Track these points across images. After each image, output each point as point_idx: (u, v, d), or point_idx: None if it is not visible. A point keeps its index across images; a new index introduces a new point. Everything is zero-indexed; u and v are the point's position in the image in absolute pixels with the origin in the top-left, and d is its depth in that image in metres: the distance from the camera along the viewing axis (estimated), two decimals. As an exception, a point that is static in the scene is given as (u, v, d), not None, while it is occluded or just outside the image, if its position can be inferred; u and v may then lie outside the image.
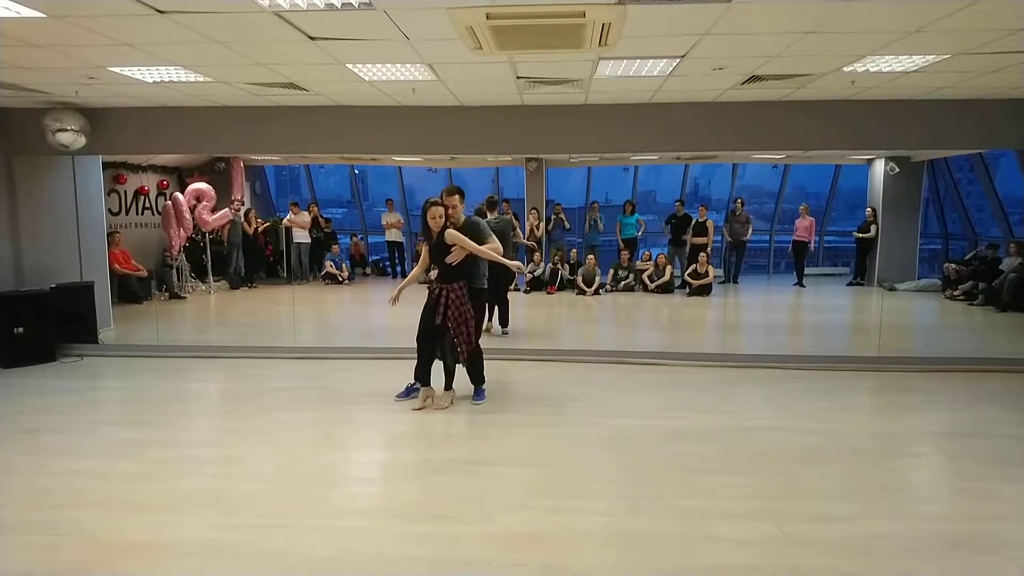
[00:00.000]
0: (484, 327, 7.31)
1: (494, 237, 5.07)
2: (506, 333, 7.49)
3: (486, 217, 7.19)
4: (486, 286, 5.31)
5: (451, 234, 4.74)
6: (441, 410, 4.91)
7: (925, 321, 9.54)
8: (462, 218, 5.00)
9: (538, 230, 11.82)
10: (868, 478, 3.79)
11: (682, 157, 12.10)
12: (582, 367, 6.24)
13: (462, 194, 5.00)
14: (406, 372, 5.22)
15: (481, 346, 5.14)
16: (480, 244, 4.86)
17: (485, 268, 5.25)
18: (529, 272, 11.30)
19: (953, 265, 10.79)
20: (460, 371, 5.09)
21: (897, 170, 11.48)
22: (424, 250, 4.98)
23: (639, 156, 11.89)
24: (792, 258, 12.38)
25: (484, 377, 5.19)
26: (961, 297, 10.18)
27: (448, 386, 5.04)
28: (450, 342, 4.82)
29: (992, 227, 11.31)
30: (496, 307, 7.55)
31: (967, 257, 11.05)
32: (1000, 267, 9.81)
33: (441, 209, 4.76)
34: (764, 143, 6.85)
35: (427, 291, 4.92)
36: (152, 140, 7.05)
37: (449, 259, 4.74)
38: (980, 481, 3.75)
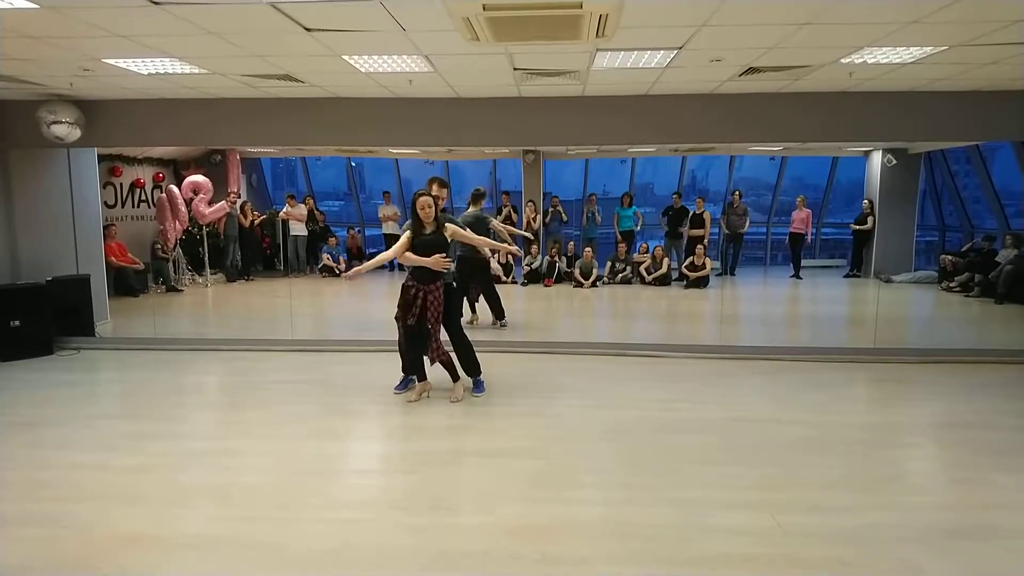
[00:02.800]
0: (470, 320, 7.39)
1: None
2: (503, 325, 7.48)
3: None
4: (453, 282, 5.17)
5: (454, 230, 4.78)
6: (456, 402, 4.92)
7: (921, 313, 9.58)
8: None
9: (535, 222, 11.82)
10: (865, 469, 3.81)
11: (679, 149, 12.08)
12: (579, 359, 6.26)
13: (449, 187, 5.14)
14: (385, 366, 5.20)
15: (467, 337, 5.17)
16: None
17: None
18: (527, 265, 11.30)
19: (950, 257, 10.82)
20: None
21: (894, 162, 11.48)
22: (406, 239, 4.68)
23: (637, 148, 11.87)
24: (789, 250, 12.40)
25: (480, 367, 5.20)
26: (957, 289, 10.21)
27: (456, 378, 5.03)
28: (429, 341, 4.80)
29: (988, 219, 11.32)
30: (481, 301, 7.54)
31: (963, 249, 11.08)
32: (996, 259, 9.84)
33: (430, 199, 4.71)
34: (762, 135, 6.84)
35: (402, 288, 4.80)
36: (148, 133, 7.01)
37: (442, 265, 4.61)
38: (976, 471, 3.78)
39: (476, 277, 7.07)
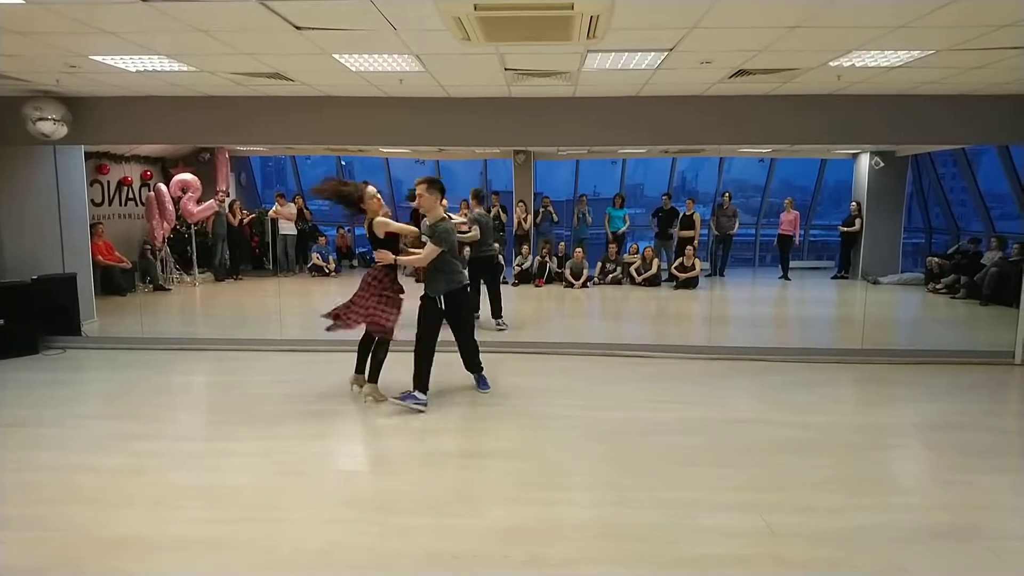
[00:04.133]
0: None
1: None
2: (501, 327, 7.43)
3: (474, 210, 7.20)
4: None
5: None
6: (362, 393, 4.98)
7: (908, 314, 9.67)
8: (439, 214, 4.88)
9: (526, 223, 11.81)
10: (852, 469, 3.84)
11: (670, 150, 12.12)
12: (569, 360, 6.26)
13: (435, 186, 4.88)
14: (392, 366, 5.12)
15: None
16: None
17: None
18: (517, 265, 11.30)
19: (936, 259, 10.93)
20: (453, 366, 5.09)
21: (882, 164, 11.58)
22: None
23: (627, 149, 11.90)
24: (777, 251, 12.48)
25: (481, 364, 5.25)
26: (943, 290, 10.31)
27: (362, 370, 5.11)
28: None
29: (974, 221, 11.45)
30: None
31: (950, 251, 11.19)
32: (981, 261, 9.96)
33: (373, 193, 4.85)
34: (751, 137, 6.87)
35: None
36: (135, 130, 6.94)
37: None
38: (961, 472, 3.82)
39: (484, 275, 7.22)
